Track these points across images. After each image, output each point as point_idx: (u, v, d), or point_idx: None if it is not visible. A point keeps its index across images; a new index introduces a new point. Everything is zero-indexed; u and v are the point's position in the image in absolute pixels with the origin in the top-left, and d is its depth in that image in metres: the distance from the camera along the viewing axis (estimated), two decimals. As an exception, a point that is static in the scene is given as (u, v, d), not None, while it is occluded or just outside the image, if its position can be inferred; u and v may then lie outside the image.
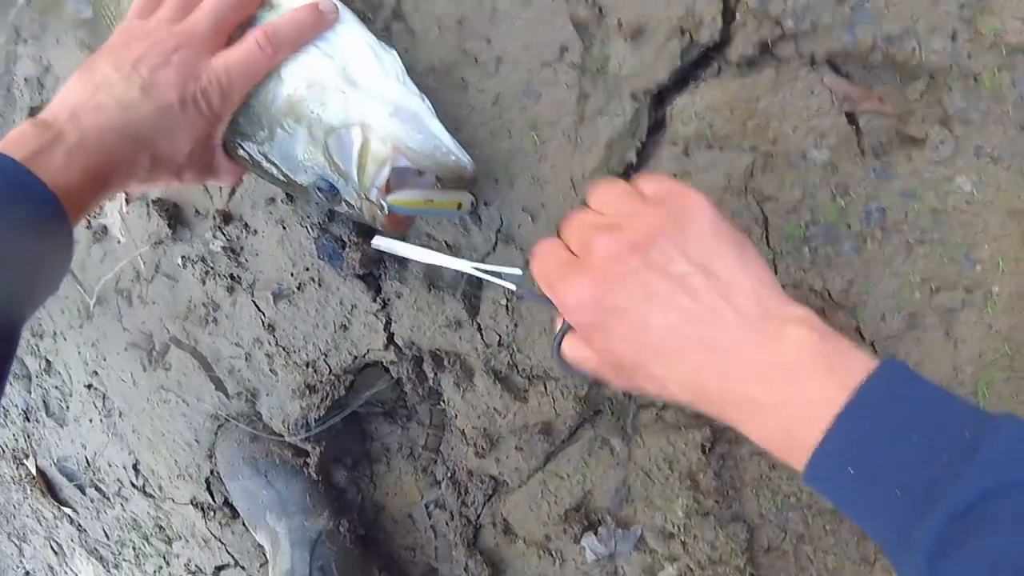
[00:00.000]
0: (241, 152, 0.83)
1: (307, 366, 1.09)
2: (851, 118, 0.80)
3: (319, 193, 0.82)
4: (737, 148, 0.83)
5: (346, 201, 0.82)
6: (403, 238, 0.87)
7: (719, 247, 0.60)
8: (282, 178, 0.83)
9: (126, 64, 0.74)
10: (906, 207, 0.80)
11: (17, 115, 1.27)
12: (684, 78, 0.83)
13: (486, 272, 0.79)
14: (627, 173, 0.87)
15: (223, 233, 1.07)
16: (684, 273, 0.58)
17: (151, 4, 0.79)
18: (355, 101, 0.78)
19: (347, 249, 0.96)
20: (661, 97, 0.84)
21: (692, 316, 0.58)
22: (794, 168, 0.82)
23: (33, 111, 1.22)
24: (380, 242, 0.83)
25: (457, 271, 0.93)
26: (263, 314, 1.10)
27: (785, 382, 0.55)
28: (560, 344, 0.66)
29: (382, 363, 1.06)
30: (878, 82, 0.79)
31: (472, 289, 0.97)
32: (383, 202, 0.79)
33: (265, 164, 0.83)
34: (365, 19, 0.83)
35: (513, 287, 0.77)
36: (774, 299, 0.58)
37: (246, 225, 1.05)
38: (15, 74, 1.24)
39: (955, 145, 0.77)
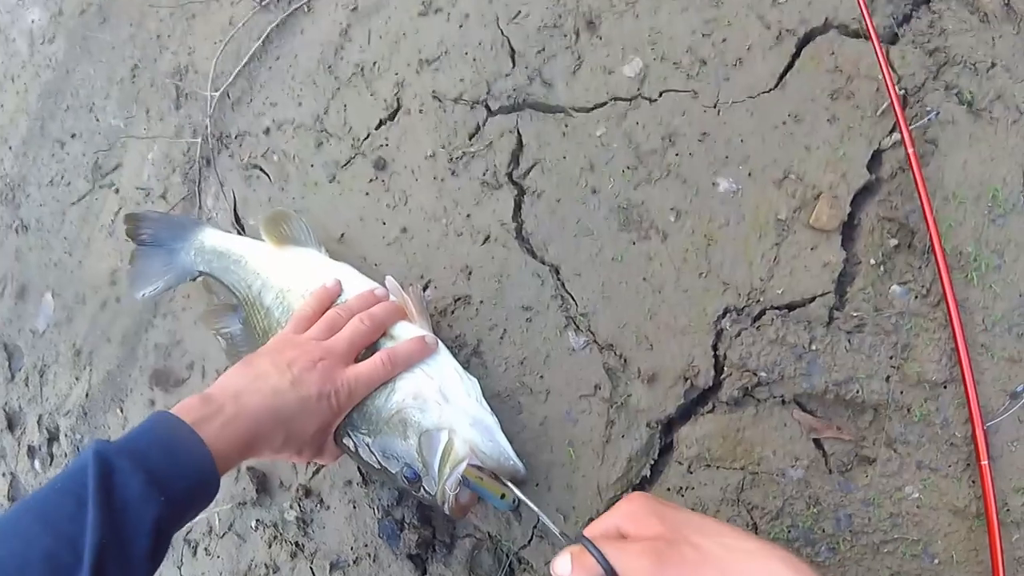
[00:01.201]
0: (346, 440, 1.10)
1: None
2: (818, 443, 1.03)
3: (405, 479, 1.06)
4: (729, 467, 1.06)
5: (424, 488, 1.06)
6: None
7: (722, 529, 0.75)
8: (376, 464, 1.09)
9: (281, 363, 1.05)
10: (868, 513, 0.99)
11: (134, 371, 1.56)
12: (687, 412, 1.10)
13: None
14: (641, 484, 1.10)
15: (299, 505, 1.28)
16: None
17: (303, 324, 1.13)
18: (447, 412, 1.06)
19: (405, 531, 1.17)
20: (670, 426, 1.10)
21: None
22: (775, 483, 1.04)
23: (155, 372, 1.52)
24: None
25: (497, 564, 1.13)
26: (317, 582, 1.28)
27: None
28: None
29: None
30: (836, 415, 1.03)
31: (510, 578, 1.15)
32: (453, 490, 1.03)
33: (364, 451, 1.09)
34: (453, 351, 1.15)
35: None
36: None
37: (321, 500, 1.27)
38: (146, 338, 1.55)
39: (900, 462, 0.99)
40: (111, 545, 0.80)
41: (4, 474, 1.89)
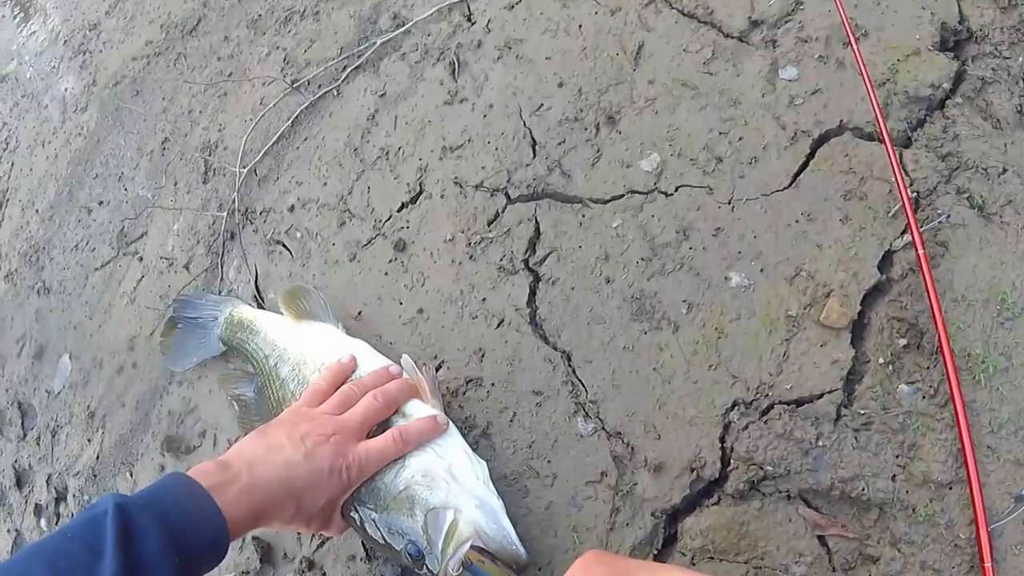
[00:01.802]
0: (353, 514, 1.11)
1: None
2: (822, 540, 1.03)
3: (408, 557, 1.07)
4: (733, 560, 1.06)
5: (427, 566, 1.06)
6: None
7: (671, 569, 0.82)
8: (380, 540, 1.10)
9: (295, 436, 1.07)
10: (872, 613, 1.00)
11: (147, 436, 1.58)
12: (692, 504, 1.10)
13: None
14: None
15: None
16: None
17: (318, 397, 1.16)
18: (454, 491, 1.07)
19: (405, 610, 1.18)
20: (674, 516, 1.11)
21: None
22: (778, 579, 1.05)
23: (168, 438, 1.54)
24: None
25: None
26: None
27: None
28: None
29: None
30: (841, 512, 1.04)
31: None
32: (455, 571, 1.03)
33: (370, 526, 1.10)
34: (462, 432, 1.16)
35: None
36: None
37: (324, 574, 1.27)
38: (160, 404, 1.58)
39: (904, 561, 0.99)
40: None
41: (9, 531, 1.90)
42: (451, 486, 1.08)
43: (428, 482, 1.09)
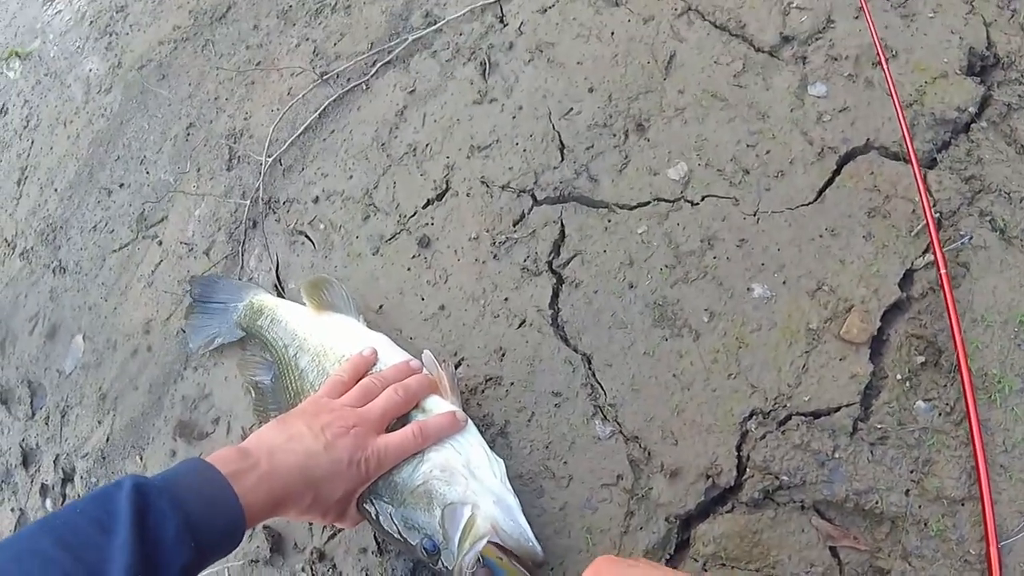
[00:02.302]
0: (368, 507, 1.13)
1: None
2: (833, 551, 1.05)
3: (424, 551, 1.09)
4: (745, 568, 1.08)
5: (443, 562, 1.08)
6: None
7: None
8: (396, 534, 1.11)
9: (316, 426, 1.08)
10: (882, 626, 1.02)
11: (159, 420, 1.60)
12: (706, 510, 1.12)
13: None
14: (657, 578, 1.12)
15: (312, 568, 1.30)
16: None
17: (338, 389, 1.17)
18: (472, 487, 1.09)
19: (415, 605, 1.19)
20: (688, 522, 1.12)
21: None
22: (788, 587, 1.07)
23: (180, 423, 1.55)
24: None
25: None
26: (318, 646, 1.29)
27: None
28: None
29: None
30: (853, 525, 1.06)
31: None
32: (470, 567, 1.05)
33: (385, 520, 1.12)
34: (480, 430, 1.18)
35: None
36: None
37: (334, 566, 1.29)
38: (174, 389, 1.60)
39: (914, 575, 1.01)
40: None
41: (13, 509, 1.91)
42: (469, 482, 1.09)
43: (446, 477, 1.10)
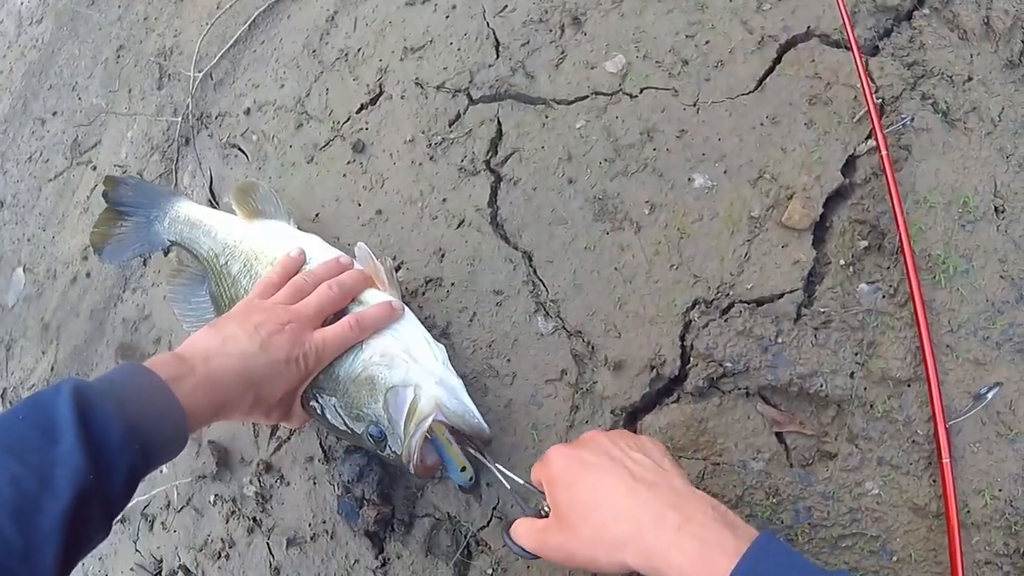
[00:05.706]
0: (313, 403, 1.05)
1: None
2: (780, 437, 0.99)
3: (370, 438, 1.01)
4: (692, 457, 1.01)
5: (390, 446, 1.00)
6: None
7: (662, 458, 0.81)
8: (342, 426, 1.03)
9: (249, 327, 0.99)
10: (827, 507, 0.95)
11: (101, 345, 1.50)
12: (652, 402, 1.05)
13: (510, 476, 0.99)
14: (603, 472, 1.05)
15: (260, 480, 1.22)
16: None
17: (269, 290, 1.08)
18: (413, 369, 1.02)
19: (364, 508, 1.11)
20: (634, 414, 1.05)
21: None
22: (736, 473, 0.99)
23: (122, 345, 1.45)
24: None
25: (455, 545, 1.08)
26: (273, 556, 1.21)
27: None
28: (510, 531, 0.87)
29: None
30: (799, 410, 0.99)
31: (463, 559, 1.09)
32: (417, 445, 0.98)
33: (331, 413, 1.04)
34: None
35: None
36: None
37: (282, 477, 1.21)
38: (114, 313, 1.49)
39: (862, 457, 0.95)
40: (91, 482, 0.75)
41: (-39, 446, 1.80)
42: (410, 365, 1.02)
43: (387, 362, 1.03)
